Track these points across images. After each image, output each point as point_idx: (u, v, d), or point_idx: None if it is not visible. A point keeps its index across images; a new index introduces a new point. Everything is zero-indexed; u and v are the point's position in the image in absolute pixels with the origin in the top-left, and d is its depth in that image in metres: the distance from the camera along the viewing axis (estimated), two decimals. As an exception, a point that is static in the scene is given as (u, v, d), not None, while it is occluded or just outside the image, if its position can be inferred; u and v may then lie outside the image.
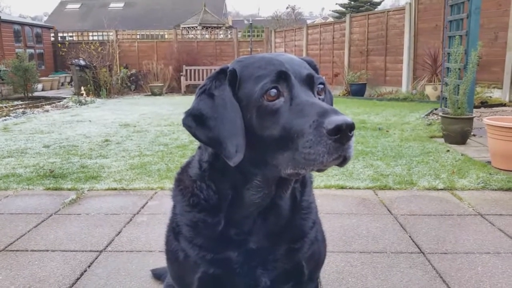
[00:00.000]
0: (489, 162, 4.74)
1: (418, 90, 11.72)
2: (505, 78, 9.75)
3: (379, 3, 33.06)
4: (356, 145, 5.60)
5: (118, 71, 16.52)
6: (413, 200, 3.69)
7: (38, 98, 14.53)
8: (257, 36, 20.02)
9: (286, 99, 1.10)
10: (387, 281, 2.36)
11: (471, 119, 5.85)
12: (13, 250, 2.78)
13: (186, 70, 16.86)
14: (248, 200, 1.21)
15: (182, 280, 1.35)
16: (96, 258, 2.66)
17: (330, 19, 32.20)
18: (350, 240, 2.89)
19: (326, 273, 2.42)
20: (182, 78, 16.73)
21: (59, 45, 20.20)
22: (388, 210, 3.45)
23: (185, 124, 1.17)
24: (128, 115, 9.78)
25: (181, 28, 21.06)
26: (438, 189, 3.95)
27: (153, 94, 15.95)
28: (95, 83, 14.79)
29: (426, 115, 8.50)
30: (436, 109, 8.79)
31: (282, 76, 1.11)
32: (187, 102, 11.63)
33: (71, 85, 17.68)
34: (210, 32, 20.43)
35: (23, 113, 10.37)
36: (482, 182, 4.06)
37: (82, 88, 14.44)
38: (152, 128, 7.81)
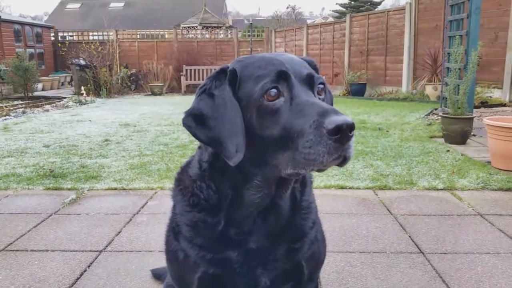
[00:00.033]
0: (489, 162, 4.74)
1: (418, 90, 11.71)
2: (505, 78, 9.75)
3: (379, 3, 33.06)
4: (356, 145, 5.60)
5: (118, 71, 16.52)
6: (413, 200, 3.69)
7: (38, 97, 14.54)
8: (257, 36, 20.02)
9: (286, 99, 1.10)
10: (386, 281, 2.36)
11: (471, 119, 5.85)
12: (13, 250, 2.78)
13: (186, 69, 16.86)
14: (248, 200, 1.21)
15: (182, 280, 1.35)
16: (96, 258, 2.66)
17: (330, 19, 32.21)
18: (350, 240, 2.89)
19: (326, 273, 2.42)
20: (182, 78, 16.73)
21: (59, 44, 20.20)
22: (388, 210, 3.45)
23: (185, 123, 1.17)
24: (128, 115, 9.78)
25: (181, 28, 21.05)
26: (438, 189, 3.95)
27: (153, 93, 15.95)
28: (95, 83, 14.80)
29: (426, 115, 8.49)
30: (436, 109, 8.79)
31: (282, 76, 1.11)
32: (187, 101, 11.63)
33: (71, 84, 17.68)
34: (210, 32, 20.43)
35: (23, 112, 10.37)
36: (482, 182, 4.06)
37: (82, 87, 14.44)
38: (152, 127, 7.81)
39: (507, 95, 9.72)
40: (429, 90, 11.13)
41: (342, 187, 4.05)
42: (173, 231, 1.34)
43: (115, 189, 4.09)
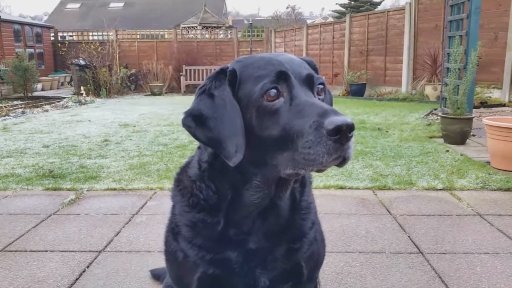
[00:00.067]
0: (488, 162, 4.74)
1: (418, 90, 11.72)
2: (505, 78, 9.76)
3: (379, 3, 33.07)
4: (355, 145, 5.61)
5: (118, 71, 16.52)
6: (412, 200, 3.69)
7: (38, 98, 14.54)
8: (257, 36, 20.02)
9: (286, 99, 1.10)
10: (386, 281, 2.36)
11: (470, 119, 5.86)
12: (12, 251, 2.78)
13: (186, 70, 16.86)
14: (248, 200, 1.21)
15: (181, 280, 1.35)
16: (95, 259, 2.66)
17: (330, 19, 32.21)
18: (349, 240, 2.89)
19: (325, 273, 2.42)
20: (182, 78, 16.73)
21: (59, 44, 20.19)
22: (387, 210, 3.46)
23: (185, 124, 1.17)
24: (127, 115, 9.78)
25: (181, 28, 21.05)
26: (437, 189, 3.95)
27: (153, 94, 15.95)
28: (94, 83, 14.79)
29: (426, 115, 8.50)
30: (435, 109, 8.79)
31: (282, 76, 1.11)
32: (186, 102, 11.64)
33: (71, 85, 17.68)
34: (210, 32, 20.43)
35: (23, 113, 10.37)
36: (481, 182, 4.06)
37: (82, 88, 14.43)
38: (152, 128, 7.81)
39: (506, 95, 9.73)
40: (428, 90, 11.14)
41: (341, 187, 4.05)
42: (173, 231, 1.34)
43: (115, 189, 4.09)
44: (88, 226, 3.18)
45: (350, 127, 0.99)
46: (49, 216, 3.39)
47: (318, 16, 59.44)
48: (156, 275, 2.36)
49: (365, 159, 5.05)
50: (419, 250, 2.73)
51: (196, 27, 20.75)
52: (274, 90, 1.09)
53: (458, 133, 5.76)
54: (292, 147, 1.04)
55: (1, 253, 2.74)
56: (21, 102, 13.00)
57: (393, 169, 4.60)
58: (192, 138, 2.36)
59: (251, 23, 20.38)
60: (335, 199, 3.76)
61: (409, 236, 2.94)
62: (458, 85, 6.00)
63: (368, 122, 8.00)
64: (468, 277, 2.38)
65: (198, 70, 16.90)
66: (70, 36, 21.08)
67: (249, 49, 18.43)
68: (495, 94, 9.84)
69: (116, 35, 18.81)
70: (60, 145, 6.21)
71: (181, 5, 35.06)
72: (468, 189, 3.93)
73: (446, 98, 6.40)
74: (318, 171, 1.07)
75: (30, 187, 4.15)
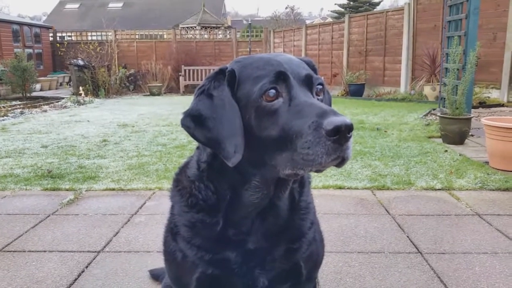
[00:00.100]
0: (487, 162, 4.75)
1: (417, 91, 11.73)
2: (503, 78, 9.77)
3: (378, 4, 33.11)
4: (354, 145, 5.61)
5: (117, 71, 16.52)
6: (411, 200, 3.70)
7: (37, 98, 14.52)
8: (256, 36, 20.03)
9: (285, 99, 1.10)
10: (385, 281, 2.36)
11: (469, 119, 5.86)
12: (11, 251, 2.78)
13: (185, 70, 16.85)
14: (247, 201, 1.21)
15: (180, 280, 1.35)
16: (94, 259, 2.65)
17: (329, 20, 32.24)
18: (348, 240, 2.89)
19: (324, 273, 2.43)
20: (181, 78, 16.72)
21: (58, 45, 20.17)
22: (386, 210, 3.46)
23: (184, 124, 1.17)
24: (126, 115, 9.77)
25: (180, 28, 21.04)
26: (436, 189, 3.96)
27: (152, 94, 15.94)
28: (93, 83, 14.78)
29: (425, 115, 8.51)
30: (434, 109, 8.80)
31: (281, 77, 1.11)
32: (185, 102, 11.64)
33: (70, 85, 17.65)
34: (209, 32, 20.43)
35: (21, 113, 10.35)
36: (480, 182, 4.07)
37: (81, 88, 14.43)
38: (151, 128, 7.81)
39: (505, 96, 9.74)
40: (427, 90, 11.15)
41: (340, 187, 4.06)
42: (171, 231, 1.34)
43: (113, 189, 4.09)
44: (87, 226, 3.17)
45: (349, 128, 0.99)
46: (48, 216, 3.39)
47: (317, 17, 59.49)
48: (155, 275, 2.36)
49: (364, 159, 5.05)
50: (418, 250, 2.73)
51: (195, 27, 20.75)
52: (273, 91, 1.09)
53: (456, 133, 5.76)
54: (291, 147, 1.04)
55: (0, 253, 2.74)
56: (19, 103, 12.98)
57: (392, 169, 4.60)
58: (191, 138, 2.37)
59: (250, 23, 20.38)
60: (334, 199, 3.76)
61: (408, 236, 2.94)
62: (456, 85, 6.01)
63: (367, 122, 8.01)
64: (467, 277, 2.38)
65: (197, 70, 16.90)
66: (69, 36, 21.05)
67: (248, 49, 18.43)
68: (493, 94, 9.86)
69: (115, 35, 18.79)
70: (59, 145, 6.20)
71: (180, 5, 35.05)
72: (467, 189, 3.94)
73: (444, 98, 6.40)
74: (317, 171, 1.08)
75: (28, 187, 4.15)
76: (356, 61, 14.70)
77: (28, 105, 12.03)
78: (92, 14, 34.84)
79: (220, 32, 20.98)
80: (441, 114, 6.20)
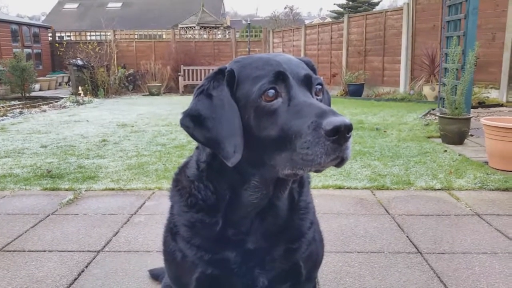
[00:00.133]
0: (486, 162, 4.75)
1: (416, 91, 11.73)
2: (503, 78, 9.78)
3: (377, 4, 33.11)
4: (353, 145, 5.61)
5: (116, 71, 16.51)
6: (411, 200, 3.70)
7: (36, 98, 14.51)
8: (255, 36, 20.03)
9: (284, 99, 1.10)
10: (384, 281, 2.36)
11: (468, 119, 5.87)
12: (10, 251, 2.78)
13: (184, 70, 16.85)
14: (246, 201, 1.21)
15: (179, 280, 1.35)
16: (93, 259, 2.65)
17: (328, 19, 32.24)
18: (347, 240, 2.89)
19: (324, 273, 2.43)
20: (180, 78, 16.71)
21: (57, 45, 20.15)
22: (386, 210, 3.46)
23: (183, 124, 1.17)
24: (125, 115, 9.77)
25: (179, 28, 21.05)
26: (435, 189, 3.96)
27: (151, 94, 15.94)
28: (92, 83, 14.77)
29: (424, 115, 8.51)
30: (433, 109, 8.81)
31: (280, 77, 1.11)
32: (185, 102, 11.63)
33: (69, 85, 17.64)
34: (208, 32, 20.43)
35: (21, 113, 10.34)
36: (479, 182, 4.07)
37: (80, 88, 14.42)
38: (150, 128, 7.80)
39: (504, 96, 9.75)
40: (426, 90, 11.16)
41: (340, 187, 4.06)
42: (171, 231, 1.34)
43: (113, 189, 4.09)
44: (86, 226, 3.17)
45: (348, 128, 0.99)
46: (48, 216, 3.39)
47: (316, 17, 59.50)
48: (155, 275, 2.36)
49: (363, 159, 5.05)
50: (417, 250, 2.73)
51: (194, 27, 20.76)
52: (272, 91, 1.09)
53: (456, 133, 5.77)
54: (290, 147, 1.04)
55: (0, 253, 2.74)
56: (18, 102, 12.98)
57: (391, 169, 4.61)
58: (190, 138, 2.36)
59: (249, 23, 20.38)
60: (333, 199, 3.76)
61: (407, 236, 2.94)
62: (456, 85, 6.01)
63: (366, 122, 8.01)
64: (466, 276, 2.38)
65: (196, 70, 16.90)
66: (68, 36, 21.05)
67: (247, 49, 18.44)
68: (493, 94, 9.86)
69: (114, 35, 18.78)
70: (58, 145, 6.20)
71: (179, 5, 35.04)
72: (467, 189, 3.94)
73: (444, 98, 6.41)
74: (316, 171, 1.08)
75: (28, 187, 4.15)
76: (355, 61, 14.71)
77: (27, 105, 12.03)
78: (91, 14, 34.82)
79: (219, 32, 20.98)
80: (440, 114, 6.20)
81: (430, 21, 11.95)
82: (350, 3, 32.77)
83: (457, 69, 6.20)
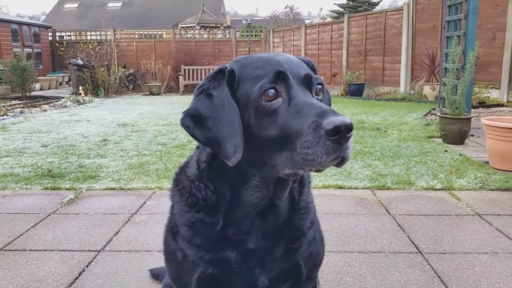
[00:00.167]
0: (487, 162, 4.75)
1: (416, 90, 11.73)
2: (503, 78, 9.77)
3: (377, 3, 33.10)
4: (354, 145, 5.61)
5: (116, 71, 16.51)
6: (411, 200, 3.70)
7: (36, 97, 14.52)
8: (256, 36, 20.03)
9: (284, 99, 1.10)
10: (385, 281, 2.36)
11: (469, 119, 5.87)
12: (11, 250, 2.78)
13: (185, 69, 16.85)
14: (246, 200, 1.21)
15: (180, 280, 1.35)
16: (94, 258, 2.65)
17: (328, 19, 32.23)
18: (348, 240, 2.90)
19: (324, 273, 2.43)
20: (180, 78, 16.72)
21: (57, 44, 20.16)
22: (386, 210, 3.46)
23: (183, 124, 1.17)
24: (126, 115, 9.77)
25: (179, 28, 21.05)
26: (436, 189, 3.96)
27: (151, 93, 15.94)
28: (93, 83, 14.78)
29: (424, 115, 8.51)
30: (434, 109, 8.80)
31: (280, 77, 1.11)
32: (185, 101, 11.63)
33: (69, 84, 17.65)
34: (208, 31, 20.43)
35: (21, 112, 10.35)
36: (480, 182, 4.07)
37: (80, 87, 14.42)
38: (150, 127, 7.80)
39: (504, 95, 9.74)
40: (427, 90, 11.15)
41: (340, 187, 4.06)
42: (172, 231, 1.34)
43: (113, 189, 4.09)
44: (87, 226, 3.18)
45: (348, 127, 0.99)
46: (48, 215, 3.39)
47: (316, 16, 59.51)
48: (156, 275, 2.36)
49: (364, 159, 5.05)
50: (418, 250, 2.73)
51: (194, 27, 20.75)
52: (272, 90, 1.09)
53: (456, 133, 5.77)
54: (291, 147, 1.04)
55: (1, 252, 2.74)
56: (19, 102, 12.99)
57: (392, 169, 4.61)
58: (190, 138, 2.37)
59: (249, 23, 20.40)
60: (334, 198, 3.76)
61: (408, 236, 2.94)
62: (456, 85, 6.01)
63: (366, 122, 8.01)
64: (467, 276, 2.38)
65: (197, 70, 16.90)
66: (68, 36, 21.05)
67: (247, 49, 18.44)
68: (493, 94, 9.86)
69: (114, 35, 18.79)
70: (59, 144, 6.20)
71: (179, 5, 35.05)
72: (467, 189, 3.94)
73: (444, 98, 6.41)
74: (316, 171, 1.08)
75: (29, 187, 4.15)
76: (355, 61, 14.71)
77: (28, 105, 12.03)
78: (91, 13, 34.82)
79: (219, 32, 20.97)
80: (441, 114, 6.20)
81: (430, 21, 11.95)
82: (350, 3, 32.75)
83: (457, 69, 6.20)
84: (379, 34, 13.76)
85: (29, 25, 19.97)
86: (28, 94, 14.92)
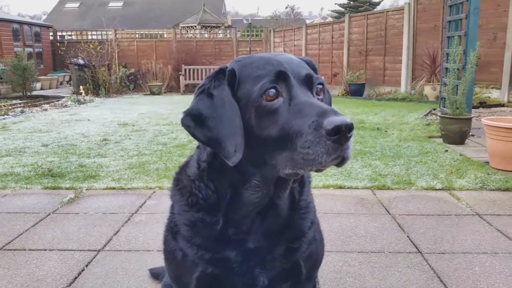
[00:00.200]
0: (487, 163, 4.75)
1: (417, 90, 11.73)
2: (504, 78, 9.77)
3: (378, 3, 33.09)
4: (354, 145, 5.61)
5: (117, 70, 16.51)
6: (411, 200, 3.70)
7: (37, 97, 14.52)
8: (256, 35, 20.02)
9: (285, 99, 1.10)
10: (385, 280, 2.36)
11: (469, 119, 5.86)
12: (11, 249, 2.78)
13: (185, 69, 16.85)
14: (247, 200, 1.21)
15: (180, 279, 1.35)
16: (94, 258, 2.66)
17: (329, 19, 32.23)
18: (348, 240, 2.89)
19: (324, 272, 2.43)
20: (181, 78, 16.72)
21: (58, 44, 20.17)
22: (386, 210, 3.46)
23: (184, 123, 1.17)
24: (126, 114, 9.77)
25: (180, 28, 21.04)
26: (436, 189, 3.96)
27: (152, 93, 15.95)
28: (94, 82, 14.78)
29: (425, 115, 8.51)
30: (434, 109, 8.80)
31: (281, 76, 1.11)
32: (186, 101, 11.63)
33: (70, 84, 17.65)
34: (209, 31, 20.43)
35: (22, 112, 10.36)
36: (480, 182, 4.07)
37: (81, 87, 14.43)
38: (151, 127, 7.81)
39: (505, 96, 9.74)
40: (427, 90, 11.15)
41: (340, 187, 4.06)
42: (172, 230, 1.34)
43: (114, 188, 4.09)
44: (87, 225, 3.18)
45: (349, 127, 0.99)
46: (48, 215, 3.39)
47: (317, 16, 59.52)
48: (155, 274, 2.36)
49: (364, 159, 5.05)
50: (418, 250, 2.73)
51: (195, 26, 20.74)
52: (273, 90, 1.09)
53: (457, 133, 5.76)
54: (291, 147, 1.04)
55: (0, 252, 2.74)
56: (20, 101, 12.99)
57: (392, 169, 4.60)
58: (191, 138, 2.37)
59: (250, 23, 20.39)
60: (334, 198, 3.76)
61: (408, 236, 2.94)
62: (457, 85, 6.00)
63: (367, 122, 8.01)
64: (467, 276, 2.38)
65: (197, 69, 16.90)
66: (69, 35, 21.08)
67: (248, 49, 18.44)
68: (494, 94, 9.86)
69: (115, 35, 18.79)
70: (59, 144, 6.21)
71: (180, 4, 35.05)
72: (467, 189, 3.94)
73: (445, 98, 6.40)
74: (317, 170, 1.08)
75: (29, 186, 4.15)
76: (356, 60, 14.70)
77: (29, 104, 12.04)
78: (92, 13, 34.83)
79: (220, 32, 20.97)
80: (441, 114, 6.20)
81: (431, 21, 11.94)
82: (351, 2, 32.75)
83: (458, 69, 6.20)
84: (380, 34, 13.75)
85: (30, 24, 19.98)
86: (29, 93, 14.93)
